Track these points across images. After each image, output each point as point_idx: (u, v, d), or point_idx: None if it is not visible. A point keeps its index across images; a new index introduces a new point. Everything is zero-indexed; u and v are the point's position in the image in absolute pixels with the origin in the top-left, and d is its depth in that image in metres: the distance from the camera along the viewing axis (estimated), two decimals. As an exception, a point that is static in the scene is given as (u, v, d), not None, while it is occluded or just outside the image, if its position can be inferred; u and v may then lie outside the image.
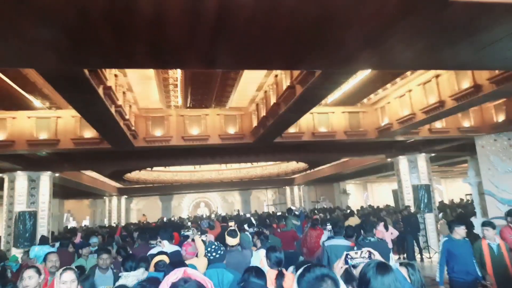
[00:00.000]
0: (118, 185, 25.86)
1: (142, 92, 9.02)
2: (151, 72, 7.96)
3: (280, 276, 2.95)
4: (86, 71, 5.02)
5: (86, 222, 29.80)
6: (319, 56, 4.35)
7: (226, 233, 4.54)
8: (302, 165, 23.85)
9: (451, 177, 30.52)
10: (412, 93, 9.59)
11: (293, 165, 25.39)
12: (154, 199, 34.21)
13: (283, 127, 8.89)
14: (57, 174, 13.55)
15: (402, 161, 15.45)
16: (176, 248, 5.16)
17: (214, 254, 3.56)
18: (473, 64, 5.15)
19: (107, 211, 28.66)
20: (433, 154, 15.72)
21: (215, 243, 3.73)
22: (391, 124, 10.49)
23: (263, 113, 9.09)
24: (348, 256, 2.17)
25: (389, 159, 16.12)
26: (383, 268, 1.86)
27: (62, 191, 21.92)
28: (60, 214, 26.73)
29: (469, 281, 4.40)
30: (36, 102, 8.93)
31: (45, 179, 12.98)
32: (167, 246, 5.16)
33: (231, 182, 29.30)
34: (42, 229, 12.81)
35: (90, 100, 5.84)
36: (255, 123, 10.13)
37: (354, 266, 2.14)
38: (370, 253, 2.16)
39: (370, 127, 11.30)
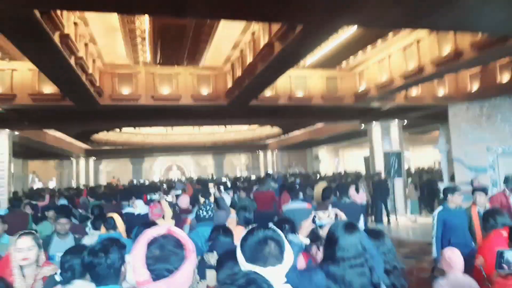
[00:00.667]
0: (85, 146, 24.90)
1: (107, 45, 8.27)
2: (116, 22, 7.23)
3: None
4: (37, 12, 4.36)
5: (52, 184, 28.81)
6: (300, 7, 3.93)
7: (200, 194, 4.73)
8: (276, 130, 23.72)
9: (419, 145, 31.44)
10: (392, 58, 9.36)
11: (267, 130, 25.23)
12: (124, 161, 33.39)
13: (259, 88, 8.49)
14: (17, 133, 12.65)
15: (376, 128, 15.49)
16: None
17: (205, 213, 3.53)
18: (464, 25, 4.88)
19: (75, 173, 27.76)
20: (405, 122, 15.86)
21: (211, 203, 3.70)
22: (369, 90, 10.31)
23: (238, 73, 8.63)
24: (316, 217, 2.21)
25: (362, 126, 16.16)
26: (350, 227, 1.88)
27: (24, 151, 20.83)
28: (24, 175, 25.62)
29: (466, 253, 3.68)
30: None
31: (3, 137, 12.09)
32: (140, 207, 4.93)
33: (204, 146, 28.91)
34: (2, 190, 12.09)
35: (44, 48, 5.20)
36: (230, 84, 9.66)
37: (321, 226, 2.19)
38: (336, 214, 2.24)
39: (348, 93, 11.09)
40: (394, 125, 15.31)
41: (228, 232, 2.78)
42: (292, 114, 13.84)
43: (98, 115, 10.78)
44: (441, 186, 12.56)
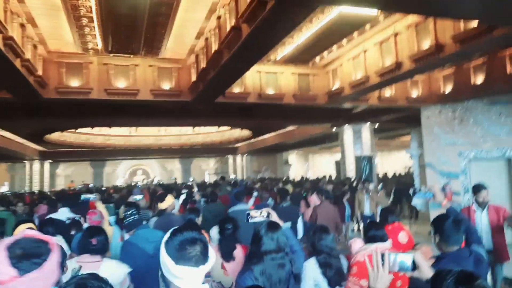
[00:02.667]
0: (39, 148, 23.05)
1: (50, 28, 7.16)
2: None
3: None
4: None
5: (5, 188, 26.37)
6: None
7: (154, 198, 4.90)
8: (246, 133, 22.95)
9: (387, 151, 31.68)
10: (368, 54, 8.82)
11: (236, 133, 24.40)
12: (84, 165, 31.50)
13: (226, 82, 7.66)
14: None
15: (347, 131, 15.15)
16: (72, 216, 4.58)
17: (129, 219, 3.41)
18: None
19: (28, 176, 25.70)
20: (377, 126, 15.57)
21: (131, 209, 3.52)
22: (343, 88, 9.73)
23: (203, 65, 7.75)
24: (249, 216, 2.50)
25: (334, 129, 15.72)
26: (272, 226, 2.18)
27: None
28: (-30, 179, 23.39)
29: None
30: None
31: None
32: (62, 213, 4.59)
33: (170, 150, 27.69)
34: None
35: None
36: (194, 78, 8.76)
37: (255, 224, 2.42)
38: (268, 213, 2.51)
39: (320, 91, 10.48)
40: (366, 129, 15.03)
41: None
42: (262, 113, 13.06)
43: (44, 110, 9.54)
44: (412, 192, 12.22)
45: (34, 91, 7.58)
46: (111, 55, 8.38)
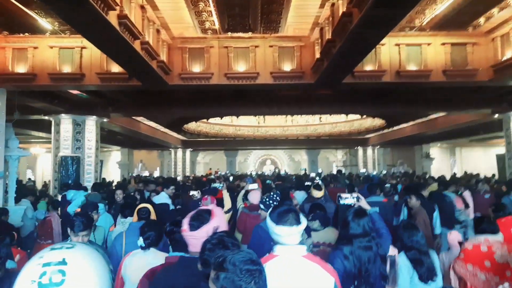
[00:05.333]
0: (181, 137, 25.41)
1: (170, 11, 7.02)
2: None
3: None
4: None
5: (156, 173, 30.15)
6: None
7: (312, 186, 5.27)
8: (378, 122, 20.60)
9: None
10: None
11: (367, 122, 22.19)
12: (220, 153, 33.69)
13: (355, 53, 6.28)
14: (105, 120, 12.62)
15: (516, 118, 11.80)
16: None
17: (269, 202, 3.79)
18: None
19: (173, 163, 28.73)
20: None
21: (277, 193, 4.04)
22: (519, 58, 7.21)
23: (328, 35, 6.55)
24: (340, 197, 2.87)
25: (496, 115, 12.45)
26: (359, 213, 2.44)
27: (128, 141, 22.04)
28: (129, 163, 27.38)
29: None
30: (42, 21, 7.38)
31: (91, 123, 12.10)
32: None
33: (297, 140, 27.19)
34: (88, 176, 12.14)
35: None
36: (318, 55, 7.63)
37: (344, 205, 2.85)
38: (358, 197, 2.89)
39: (483, 65, 8.05)
40: (544, 115, 11.46)
41: (322, 208, 3.48)
42: (399, 98, 11.08)
43: (170, 99, 9.81)
44: None
45: (159, 77, 7.63)
46: (229, 33, 7.87)
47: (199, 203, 4.63)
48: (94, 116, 12.01)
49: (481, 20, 7.22)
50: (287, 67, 8.34)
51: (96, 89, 9.20)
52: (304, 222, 1.83)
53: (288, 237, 1.78)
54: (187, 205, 5.48)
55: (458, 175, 18.76)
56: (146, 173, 29.62)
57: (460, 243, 3.15)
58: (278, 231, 1.79)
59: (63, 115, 11.52)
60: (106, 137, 16.98)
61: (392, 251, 2.82)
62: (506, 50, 7.62)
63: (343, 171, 25.17)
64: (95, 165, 12.41)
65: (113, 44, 5.68)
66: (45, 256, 1.12)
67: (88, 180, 11.98)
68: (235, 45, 8.32)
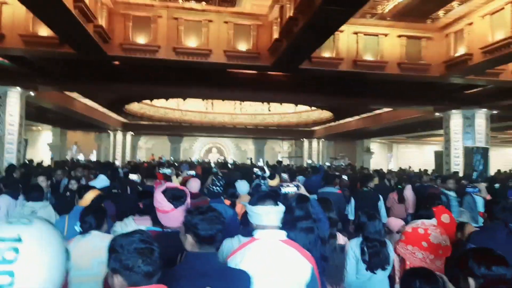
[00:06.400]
0: (122, 119, 23.75)
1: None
2: None
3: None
4: None
5: (93, 157, 27.83)
6: None
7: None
8: (325, 115, 20.87)
9: (493, 145, 26.98)
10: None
11: (315, 114, 22.41)
12: (163, 139, 32.23)
13: (316, 36, 5.88)
14: (32, 93, 11.05)
15: (456, 117, 12.43)
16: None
17: (214, 187, 3.77)
18: None
19: (112, 146, 26.84)
20: (494, 112, 12.51)
21: (219, 178, 4.00)
22: (470, 55, 7.32)
23: (289, 13, 6.07)
24: (282, 186, 2.96)
25: (437, 114, 13.01)
26: (302, 197, 2.54)
27: (61, 119, 19.99)
28: (61, 145, 25.03)
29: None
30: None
31: (14, 96, 10.54)
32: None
33: (245, 129, 26.84)
34: (10, 156, 10.62)
35: None
36: (276, 35, 7.13)
37: (285, 193, 2.88)
38: (298, 185, 3.01)
39: (436, 60, 8.14)
40: (481, 115, 12.19)
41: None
42: (351, 89, 11.02)
43: (111, 73, 8.74)
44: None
45: (95, 45, 6.64)
46: (180, 1, 7.08)
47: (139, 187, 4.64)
48: (18, 88, 10.49)
49: (441, 12, 7.21)
50: (242, 46, 7.76)
51: (21, 55, 7.85)
52: (281, 206, 1.94)
53: (267, 216, 1.86)
54: (126, 189, 5.29)
55: (394, 169, 19.67)
56: (81, 157, 27.26)
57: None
58: (257, 210, 1.87)
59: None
60: (34, 114, 15.13)
61: (342, 239, 3.06)
62: (458, 47, 7.74)
63: (288, 163, 25.40)
64: (18, 144, 10.90)
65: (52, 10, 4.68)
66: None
67: (9, 160, 10.48)
68: (186, 17, 7.54)
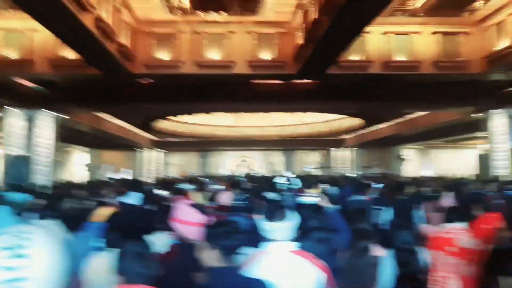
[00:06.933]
0: (152, 137, 24.22)
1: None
2: None
3: None
4: None
5: (129, 175, 28.39)
6: None
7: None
8: (356, 123, 20.20)
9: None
10: None
11: (346, 123, 21.78)
12: (194, 155, 32.55)
13: (343, 36, 5.55)
14: (66, 117, 11.28)
15: (499, 116, 11.47)
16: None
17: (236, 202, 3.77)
18: None
19: (144, 164, 27.43)
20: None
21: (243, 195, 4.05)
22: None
23: (314, 15, 5.78)
24: (300, 195, 3.20)
25: (475, 114, 12.07)
26: (316, 209, 2.71)
27: (95, 141, 20.61)
28: (96, 165, 25.80)
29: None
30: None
31: (46, 119, 10.77)
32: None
33: (274, 141, 26.56)
34: (40, 177, 10.79)
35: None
36: (301, 41, 6.86)
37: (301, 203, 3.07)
38: (321, 195, 3.10)
39: (475, 56, 7.55)
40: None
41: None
42: (383, 94, 10.49)
43: (136, 93, 8.75)
44: None
45: (119, 64, 6.62)
46: (201, 15, 6.97)
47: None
48: (48, 111, 10.73)
49: (478, 4, 6.67)
50: (266, 55, 7.54)
51: (51, 79, 8.00)
52: (292, 219, 1.95)
53: (274, 231, 1.88)
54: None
55: (433, 176, 18.61)
56: (116, 176, 27.88)
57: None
58: (266, 226, 1.90)
59: (9, 108, 10.15)
60: (69, 136, 15.58)
61: (379, 251, 2.91)
62: (500, 40, 7.13)
63: (317, 173, 24.70)
64: (51, 166, 11.11)
65: (58, 17, 4.66)
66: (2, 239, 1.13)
67: (39, 181, 10.65)
68: (208, 30, 7.44)
